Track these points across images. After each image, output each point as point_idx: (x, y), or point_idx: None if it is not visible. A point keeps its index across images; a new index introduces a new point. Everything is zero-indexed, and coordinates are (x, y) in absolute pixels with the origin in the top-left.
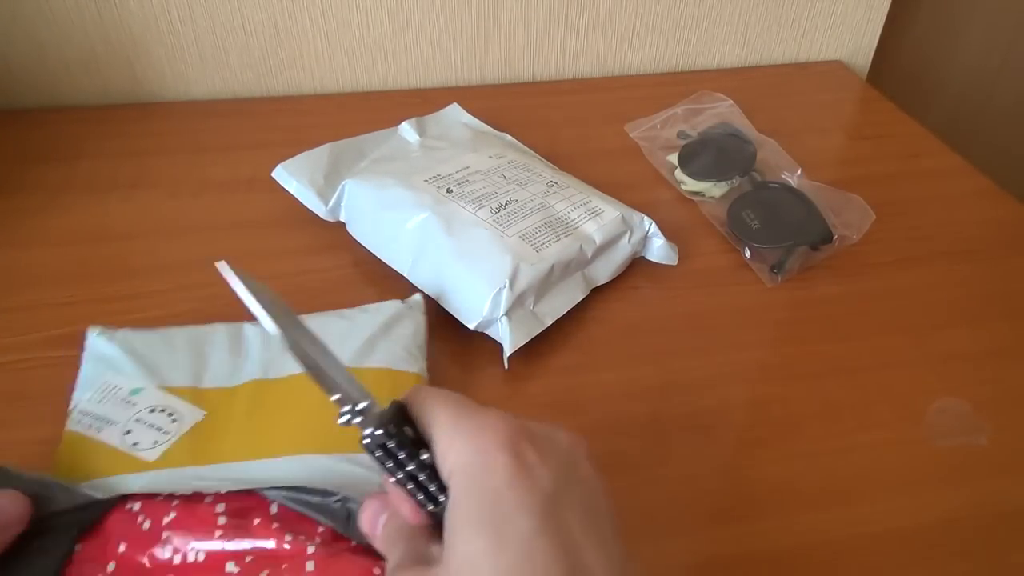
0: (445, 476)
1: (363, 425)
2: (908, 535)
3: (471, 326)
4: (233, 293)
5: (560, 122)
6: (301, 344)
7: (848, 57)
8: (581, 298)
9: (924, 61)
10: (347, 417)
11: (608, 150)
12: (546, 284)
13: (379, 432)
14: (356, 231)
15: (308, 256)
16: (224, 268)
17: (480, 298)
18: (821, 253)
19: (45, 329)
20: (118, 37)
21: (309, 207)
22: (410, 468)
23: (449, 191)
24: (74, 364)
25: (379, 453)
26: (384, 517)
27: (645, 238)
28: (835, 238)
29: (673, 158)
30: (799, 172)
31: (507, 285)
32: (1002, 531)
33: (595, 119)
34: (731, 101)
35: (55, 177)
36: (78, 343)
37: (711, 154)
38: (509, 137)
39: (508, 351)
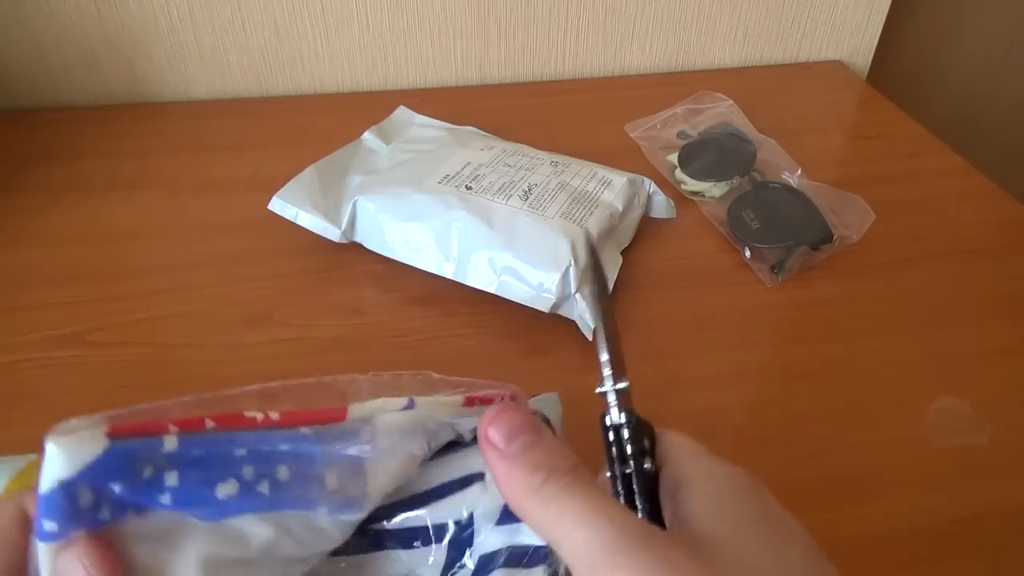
0: (676, 485)
1: (612, 401)
2: (908, 535)
3: (545, 309)
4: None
5: (560, 122)
6: (609, 311)
7: (848, 57)
8: (620, 262)
9: (924, 61)
10: (607, 386)
11: (608, 150)
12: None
13: (622, 415)
14: (376, 245)
15: (310, 256)
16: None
17: (549, 281)
18: (821, 253)
19: (45, 329)
20: (118, 37)
21: (318, 233)
22: (626, 468)
23: (468, 188)
24: (74, 364)
25: (611, 436)
26: (532, 438)
27: (648, 197)
28: (835, 238)
29: (673, 158)
30: (799, 172)
31: (572, 263)
32: (1002, 531)
33: (595, 119)
34: (731, 101)
35: (55, 177)
36: (78, 343)
37: (711, 154)
38: (473, 127)
39: (592, 324)
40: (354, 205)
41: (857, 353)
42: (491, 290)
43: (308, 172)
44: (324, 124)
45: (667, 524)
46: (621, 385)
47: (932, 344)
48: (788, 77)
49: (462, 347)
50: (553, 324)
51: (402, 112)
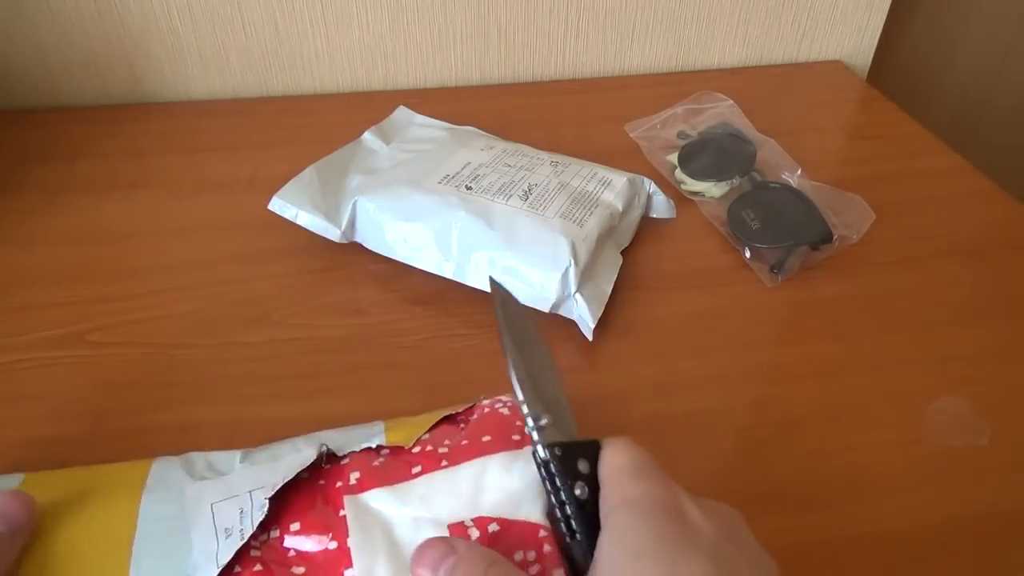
0: (604, 511)
1: (534, 439)
2: (908, 535)
3: (544, 309)
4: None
5: (560, 122)
6: (522, 349)
7: (848, 57)
8: (621, 262)
9: (924, 61)
10: (529, 424)
11: (608, 150)
12: (596, 255)
13: (544, 451)
14: (376, 245)
15: (310, 256)
16: (493, 281)
17: (549, 280)
18: (821, 253)
19: (45, 329)
20: (118, 37)
21: (318, 233)
22: (561, 496)
23: (468, 188)
24: (74, 364)
25: (542, 470)
26: (452, 560)
27: (648, 197)
28: (835, 238)
29: (673, 158)
30: (799, 172)
31: (572, 263)
32: (1002, 531)
33: (595, 119)
34: (731, 101)
35: (55, 177)
36: (78, 343)
37: (711, 154)
38: (473, 127)
39: (592, 324)
40: (354, 205)
41: (857, 353)
42: (491, 290)
43: (308, 172)
44: (324, 124)
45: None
46: (542, 422)
47: (932, 344)
48: (788, 77)
49: (462, 347)
50: (553, 324)
51: (402, 112)
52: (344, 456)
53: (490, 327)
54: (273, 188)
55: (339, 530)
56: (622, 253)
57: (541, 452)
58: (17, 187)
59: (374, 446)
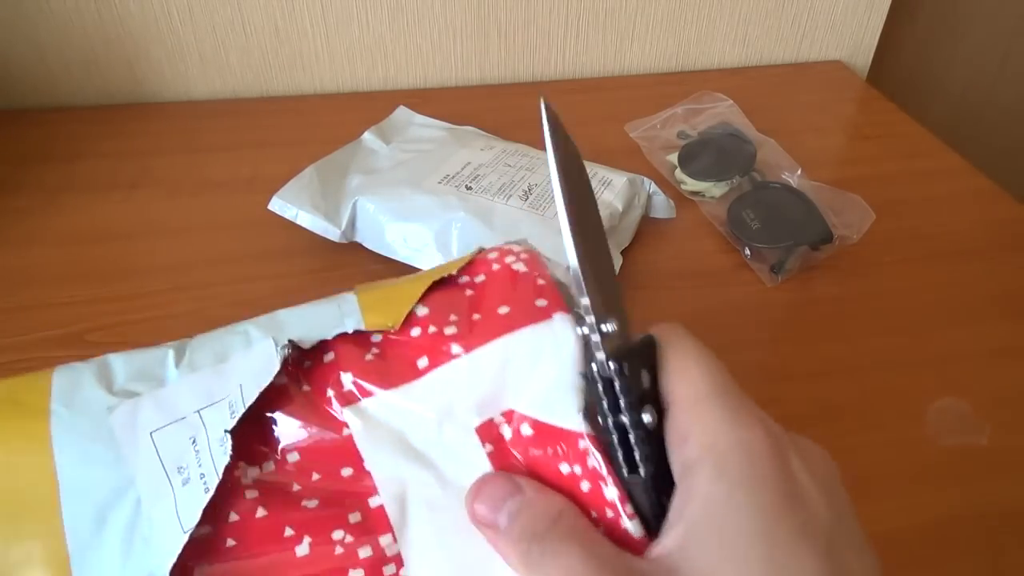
0: (682, 460)
1: (595, 348)
2: (908, 535)
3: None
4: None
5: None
6: (585, 230)
7: (848, 57)
8: (621, 262)
9: (924, 61)
10: (585, 330)
11: (608, 150)
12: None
13: (610, 364)
14: (376, 245)
15: (310, 256)
16: (545, 107)
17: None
18: (821, 253)
19: (45, 329)
20: (118, 37)
21: (318, 233)
22: (622, 419)
23: (468, 188)
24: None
25: (599, 385)
26: (517, 503)
27: (648, 197)
28: (835, 238)
29: (673, 158)
30: (799, 172)
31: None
32: (1002, 531)
33: (595, 119)
34: (731, 101)
35: (54, 177)
36: (78, 343)
37: (711, 154)
38: (473, 127)
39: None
40: (354, 205)
41: (857, 353)
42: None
43: (308, 172)
44: (324, 124)
45: (676, 480)
46: (606, 327)
47: (932, 344)
48: (788, 77)
49: None
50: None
51: (402, 112)
52: (325, 350)
53: None
54: (273, 188)
55: (350, 452)
56: (622, 253)
57: (605, 367)
58: (17, 187)
59: (351, 332)
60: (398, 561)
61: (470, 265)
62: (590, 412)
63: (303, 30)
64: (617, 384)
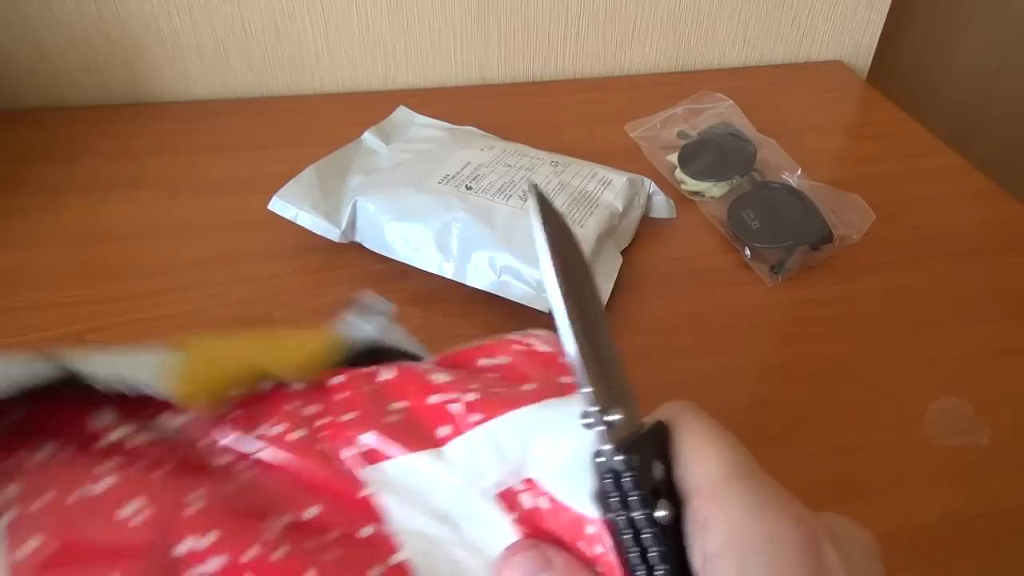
0: (702, 555)
1: (601, 439)
2: (908, 535)
3: (545, 309)
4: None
5: (560, 122)
6: (584, 316)
7: (848, 57)
8: (621, 262)
9: (924, 61)
10: (589, 421)
11: (608, 150)
12: (596, 256)
13: (617, 457)
14: (376, 245)
15: (310, 256)
16: (532, 190)
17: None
18: (821, 253)
19: (45, 329)
20: (118, 37)
21: (318, 233)
22: (635, 515)
23: (468, 188)
24: None
25: (606, 479)
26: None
27: (648, 197)
28: (835, 238)
29: (673, 158)
30: (799, 172)
31: None
32: (1002, 531)
33: (595, 119)
34: (731, 101)
35: (55, 177)
36: (78, 343)
37: (711, 154)
38: (473, 127)
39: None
40: (354, 205)
41: (857, 353)
42: (491, 290)
43: (308, 172)
44: (324, 124)
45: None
46: (614, 417)
47: (932, 344)
48: (788, 77)
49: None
50: (553, 324)
51: (402, 112)
52: (343, 406)
53: (490, 327)
54: (273, 188)
55: (368, 513)
56: (622, 253)
57: (612, 461)
58: (17, 187)
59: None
60: None
61: (489, 347)
62: (601, 498)
63: (303, 30)
64: (626, 480)
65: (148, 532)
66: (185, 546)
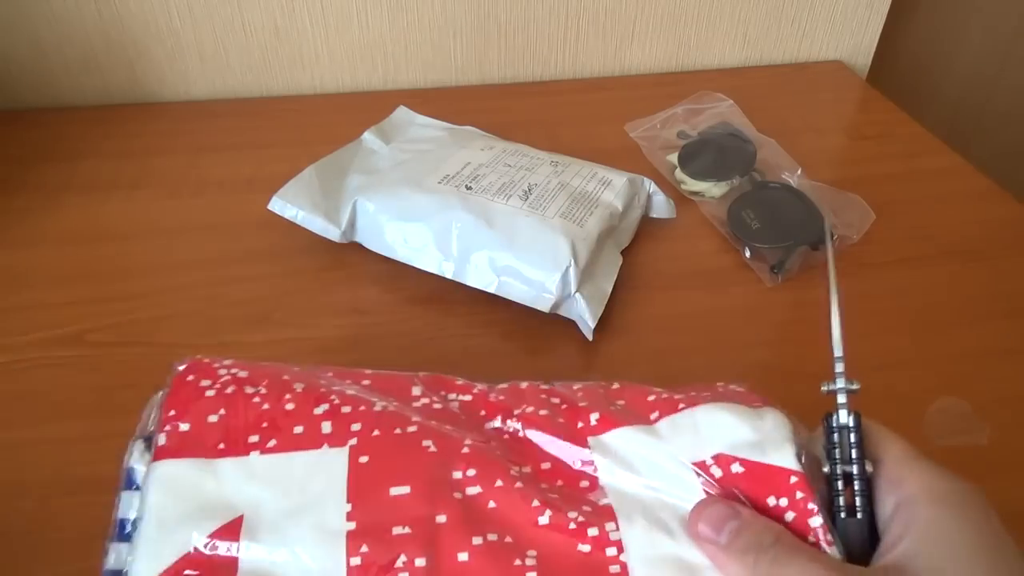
0: (898, 499)
1: (842, 402)
2: None
3: (545, 309)
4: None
5: (560, 122)
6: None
7: (848, 57)
8: (620, 262)
9: (924, 61)
10: (837, 386)
11: (608, 150)
12: (596, 255)
13: (850, 417)
14: (376, 245)
15: (310, 255)
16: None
17: (549, 281)
18: (821, 253)
19: (45, 329)
20: (118, 37)
21: (318, 233)
22: (850, 469)
23: (468, 188)
24: (74, 364)
25: (836, 436)
26: (736, 524)
27: (648, 197)
28: (835, 238)
29: (673, 158)
30: (799, 172)
31: (572, 263)
32: None
33: (595, 119)
34: (731, 101)
35: (55, 177)
36: (78, 343)
37: (711, 154)
38: (473, 127)
39: (592, 324)
40: (354, 205)
41: (857, 353)
42: (491, 290)
43: (308, 172)
44: (324, 124)
45: (880, 532)
46: (854, 387)
47: (932, 344)
48: (788, 77)
49: (462, 347)
50: (553, 324)
51: (402, 112)
52: (579, 401)
53: (491, 327)
54: (273, 188)
55: (584, 467)
56: (622, 253)
57: (845, 417)
58: (17, 187)
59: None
60: (619, 546)
61: (696, 386)
62: (828, 450)
63: (303, 30)
64: (853, 436)
65: (437, 457)
66: (459, 472)
